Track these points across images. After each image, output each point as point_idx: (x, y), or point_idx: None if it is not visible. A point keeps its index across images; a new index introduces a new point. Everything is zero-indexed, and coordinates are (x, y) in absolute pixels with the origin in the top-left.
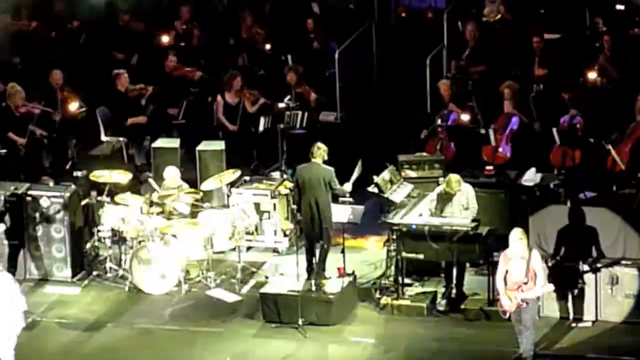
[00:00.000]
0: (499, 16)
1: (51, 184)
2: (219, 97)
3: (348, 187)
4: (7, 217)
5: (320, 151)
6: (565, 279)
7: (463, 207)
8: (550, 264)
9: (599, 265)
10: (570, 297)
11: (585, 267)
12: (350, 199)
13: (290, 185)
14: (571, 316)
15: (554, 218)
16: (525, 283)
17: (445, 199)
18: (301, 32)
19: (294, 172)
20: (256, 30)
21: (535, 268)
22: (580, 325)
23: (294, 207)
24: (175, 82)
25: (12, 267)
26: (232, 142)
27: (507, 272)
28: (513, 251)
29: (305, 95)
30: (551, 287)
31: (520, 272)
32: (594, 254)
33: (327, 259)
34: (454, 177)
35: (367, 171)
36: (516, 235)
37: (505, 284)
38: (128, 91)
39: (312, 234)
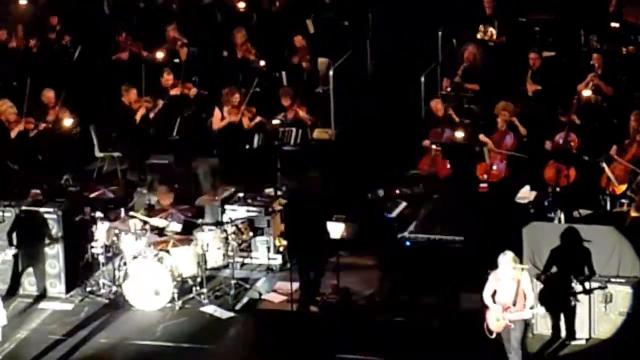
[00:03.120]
0: (492, 37)
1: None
2: (215, 112)
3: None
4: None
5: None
6: (559, 296)
7: None
8: (544, 282)
9: (592, 283)
10: (563, 314)
11: (579, 286)
12: (345, 216)
13: (284, 202)
14: (564, 334)
15: (548, 236)
16: (514, 304)
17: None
18: (293, 49)
19: (288, 188)
20: (247, 47)
21: (525, 290)
22: (573, 342)
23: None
24: (170, 99)
25: (6, 284)
26: (227, 158)
27: (495, 292)
28: (504, 273)
29: (298, 115)
30: (541, 310)
31: (510, 294)
32: (587, 272)
33: (322, 277)
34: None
35: (361, 188)
36: (507, 259)
37: (494, 303)
38: (133, 104)
39: (307, 251)
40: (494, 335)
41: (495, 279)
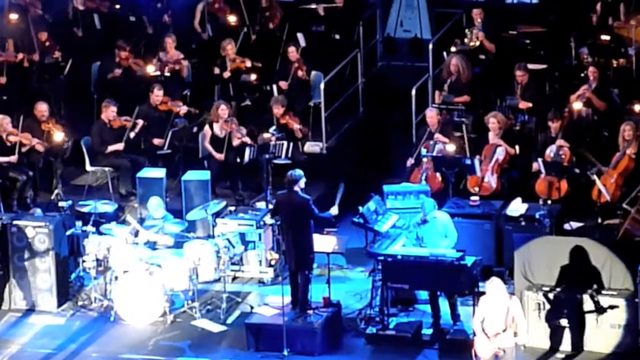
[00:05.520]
0: (478, 43)
1: (38, 213)
2: (206, 127)
3: (334, 210)
4: None
5: (296, 179)
6: (550, 309)
7: (442, 236)
8: (536, 294)
9: (584, 297)
10: (555, 327)
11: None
12: (335, 229)
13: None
14: (555, 346)
15: (540, 248)
16: (504, 330)
17: (422, 227)
18: (285, 62)
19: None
20: (237, 59)
21: (515, 316)
22: (564, 355)
23: (279, 237)
24: (160, 114)
25: None
26: (218, 172)
27: (484, 318)
28: (493, 298)
29: (290, 126)
30: (525, 338)
31: (500, 319)
32: (579, 284)
33: (312, 289)
34: (426, 202)
35: (352, 201)
36: (496, 285)
37: (483, 330)
38: (111, 122)
39: (295, 263)
40: None
41: (484, 304)
